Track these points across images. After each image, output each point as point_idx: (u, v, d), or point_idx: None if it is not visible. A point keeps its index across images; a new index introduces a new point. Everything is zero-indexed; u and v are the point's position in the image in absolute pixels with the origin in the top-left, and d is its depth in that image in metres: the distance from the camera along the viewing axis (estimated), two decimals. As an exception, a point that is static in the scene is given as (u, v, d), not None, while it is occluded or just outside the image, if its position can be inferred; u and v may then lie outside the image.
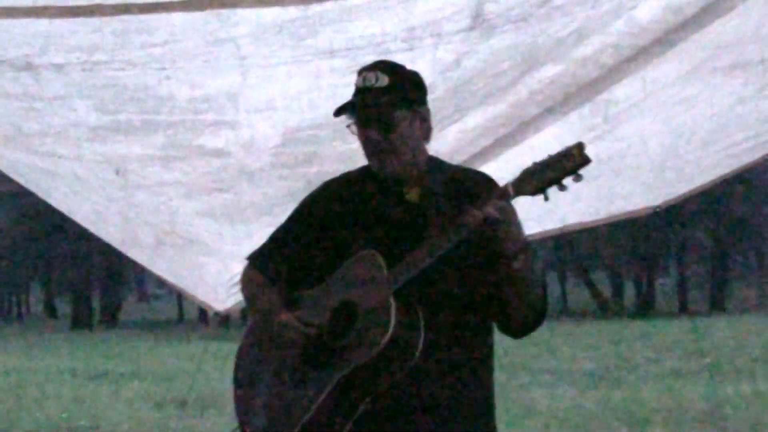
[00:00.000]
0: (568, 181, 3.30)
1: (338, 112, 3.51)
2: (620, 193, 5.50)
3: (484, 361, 3.56)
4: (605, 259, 47.18)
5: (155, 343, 30.85)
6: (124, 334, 37.45)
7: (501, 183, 3.48)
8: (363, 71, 3.51)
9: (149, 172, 4.89)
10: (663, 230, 43.36)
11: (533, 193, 3.32)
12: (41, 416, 14.94)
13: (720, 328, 27.85)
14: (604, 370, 18.93)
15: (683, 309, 43.89)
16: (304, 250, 3.61)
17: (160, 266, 5.82)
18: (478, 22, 3.98)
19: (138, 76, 4.16)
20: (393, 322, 3.30)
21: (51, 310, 54.39)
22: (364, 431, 3.41)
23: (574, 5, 4.06)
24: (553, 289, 52.49)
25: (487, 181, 3.57)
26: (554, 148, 5.02)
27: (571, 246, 44.71)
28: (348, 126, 3.52)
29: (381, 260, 3.38)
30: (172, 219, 5.32)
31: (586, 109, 4.80)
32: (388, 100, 3.44)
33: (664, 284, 49.64)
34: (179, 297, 43.09)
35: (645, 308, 44.17)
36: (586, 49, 4.42)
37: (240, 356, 3.68)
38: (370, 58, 4.05)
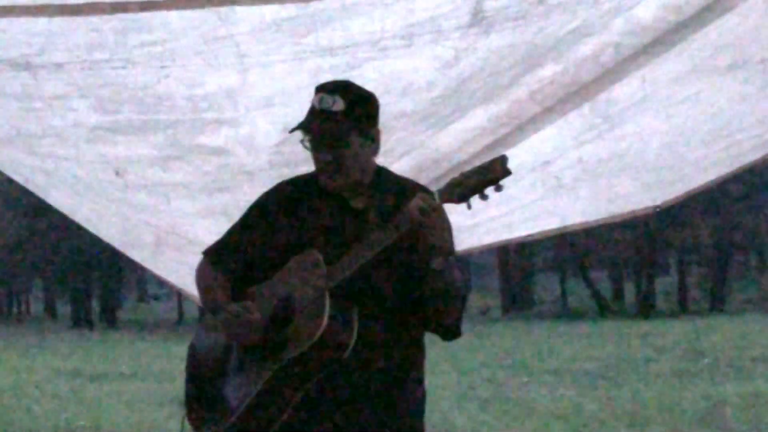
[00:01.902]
0: (489, 191, 3.48)
1: (293, 129, 3.71)
2: (620, 193, 5.50)
3: (415, 362, 3.76)
4: (605, 259, 47.20)
5: (155, 343, 30.87)
6: (124, 334, 37.46)
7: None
8: (321, 90, 3.69)
9: (149, 172, 4.89)
10: (663, 230, 43.36)
11: (458, 201, 3.50)
12: (41, 416, 14.94)
13: (720, 328, 27.87)
14: (604, 370, 18.94)
15: (683, 309, 43.90)
16: (255, 248, 3.81)
17: (160, 266, 5.83)
18: (478, 20, 3.98)
19: (137, 74, 4.16)
20: (326, 316, 3.51)
21: (51, 310, 54.40)
22: (296, 424, 3.62)
23: (573, 4, 4.06)
24: (553, 289, 52.54)
25: (422, 189, 3.77)
26: (554, 147, 5.05)
27: (571, 246, 44.70)
28: (301, 141, 3.71)
29: (320, 259, 3.60)
30: (172, 219, 5.32)
31: (586, 109, 4.80)
32: (341, 124, 3.65)
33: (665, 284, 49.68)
34: (179, 297, 43.08)
35: (645, 308, 44.17)
36: (586, 49, 4.42)
37: (192, 348, 3.89)
38: (369, 55, 4.07)
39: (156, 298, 61.88)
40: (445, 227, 3.57)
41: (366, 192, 3.74)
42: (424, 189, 3.78)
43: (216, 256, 3.88)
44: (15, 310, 55.58)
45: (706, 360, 19.74)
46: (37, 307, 57.18)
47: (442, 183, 3.59)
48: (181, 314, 48.42)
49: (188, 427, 3.84)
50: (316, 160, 3.72)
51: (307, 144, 3.71)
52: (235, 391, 3.68)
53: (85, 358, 25.52)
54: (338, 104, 3.64)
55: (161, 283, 6.84)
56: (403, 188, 3.76)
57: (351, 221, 3.71)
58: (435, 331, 3.76)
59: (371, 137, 3.72)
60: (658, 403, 14.42)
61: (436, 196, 3.53)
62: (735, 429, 12.39)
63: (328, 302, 3.53)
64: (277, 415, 3.62)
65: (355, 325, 3.57)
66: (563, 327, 32.92)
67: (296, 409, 3.61)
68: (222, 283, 3.83)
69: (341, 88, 3.69)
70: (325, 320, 3.51)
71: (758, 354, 20.26)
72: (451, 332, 3.76)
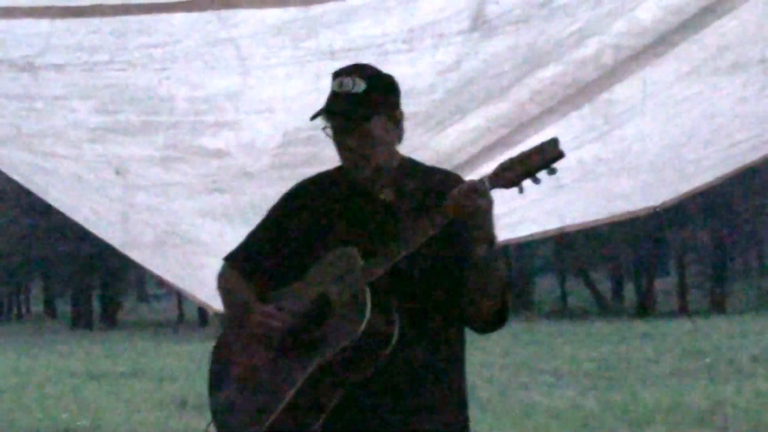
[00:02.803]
0: (542, 174, 3.37)
1: (314, 116, 3.57)
2: (620, 193, 5.51)
3: (457, 355, 3.64)
4: (605, 259, 47.19)
5: (155, 343, 30.87)
6: (124, 334, 37.46)
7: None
8: (339, 75, 3.56)
9: (149, 172, 4.89)
10: (663, 230, 43.37)
11: (508, 185, 3.38)
12: (41, 416, 14.95)
13: (720, 328, 27.89)
14: (604, 370, 18.94)
15: (683, 309, 43.89)
16: (279, 249, 3.69)
17: (160, 266, 5.82)
18: (479, 23, 3.98)
19: (138, 76, 4.16)
20: (368, 312, 3.38)
21: (51, 310, 54.39)
22: (337, 424, 3.49)
23: (574, 6, 4.06)
24: (553, 289, 52.53)
25: (458, 180, 3.64)
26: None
27: (571, 246, 44.70)
28: (323, 129, 3.59)
29: (357, 254, 3.46)
30: (172, 219, 5.32)
31: (586, 109, 4.80)
32: (364, 106, 3.52)
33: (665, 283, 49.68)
34: (179, 297, 43.07)
35: (645, 308, 44.17)
36: (586, 50, 4.42)
37: (216, 352, 3.76)
38: (370, 59, 4.06)
39: (156, 298, 61.87)
40: (490, 214, 3.41)
41: (393, 183, 3.60)
42: (457, 177, 3.66)
43: (239, 260, 3.77)
44: (15, 310, 55.58)
45: (706, 360, 19.75)
46: (37, 307, 57.17)
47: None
48: (181, 314, 48.40)
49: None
50: (341, 148, 3.58)
51: (329, 131, 3.57)
52: (271, 392, 3.54)
53: (85, 358, 25.53)
54: (359, 85, 3.51)
55: (161, 283, 6.84)
56: (434, 178, 3.64)
57: (380, 214, 3.58)
58: (475, 323, 3.62)
59: (394, 120, 3.58)
60: (658, 403, 14.42)
61: (485, 180, 3.37)
62: (735, 429, 12.40)
63: (369, 298, 3.39)
64: (318, 415, 3.49)
65: (397, 320, 3.43)
66: (563, 327, 32.91)
67: (337, 407, 3.49)
68: (249, 286, 3.70)
69: (360, 70, 3.57)
70: (368, 315, 3.37)
71: (758, 354, 20.27)
72: (491, 324, 3.60)
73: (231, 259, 3.80)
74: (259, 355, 3.59)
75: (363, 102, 3.51)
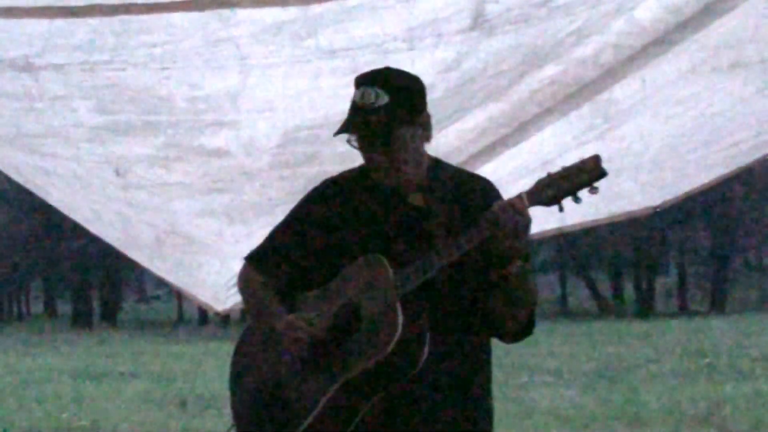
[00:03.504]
0: (583, 193, 3.30)
1: (338, 131, 3.45)
2: (620, 193, 5.50)
3: (483, 368, 3.56)
4: (605, 259, 47.19)
5: (155, 343, 30.86)
6: (124, 334, 37.45)
7: (499, 184, 3.53)
8: (361, 85, 3.42)
9: (149, 172, 4.88)
10: (663, 230, 43.37)
11: (548, 203, 3.31)
12: (41, 416, 14.94)
13: (720, 328, 27.89)
14: (604, 370, 18.94)
15: (683, 309, 43.90)
16: (303, 251, 3.55)
17: (160, 266, 5.82)
18: (479, 23, 3.98)
19: (138, 76, 4.16)
20: (400, 326, 3.26)
21: (51, 310, 54.39)
22: None
23: (574, 5, 4.06)
24: (553, 289, 52.52)
25: (489, 185, 3.56)
26: (554, 147, 5.05)
27: (571, 246, 44.70)
28: (348, 141, 3.46)
29: (387, 264, 3.34)
30: (172, 219, 5.32)
31: (586, 109, 4.80)
32: (390, 119, 3.38)
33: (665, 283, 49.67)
34: (179, 297, 43.08)
35: (645, 308, 44.18)
36: (586, 49, 4.42)
37: (238, 356, 3.65)
38: (370, 58, 4.06)
39: (156, 298, 61.86)
40: (528, 232, 3.31)
41: (422, 187, 3.46)
42: (487, 183, 3.56)
43: (260, 260, 3.61)
44: (15, 310, 55.57)
45: (706, 360, 19.74)
46: (37, 307, 57.17)
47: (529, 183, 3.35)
48: (181, 314, 48.41)
49: None
50: (367, 160, 3.44)
51: (355, 143, 3.44)
52: (297, 403, 3.43)
53: (85, 358, 25.51)
54: (382, 98, 3.36)
55: (161, 283, 6.84)
56: (465, 183, 3.52)
57: (410, 219, 3.44)
58: (503, 335, 3.54)
59: (421, 125, 3.44)
60: (658, 403, 14.42)
61: (524, 198, 3.27)
62: (735, 429, 12.39)
63: (400, 312, 3.27)
64: (344, 429, 3.38)
65: (427, 336, 3.31)
66: (563, 327, 32.90)
67: (362, 421, 3.37)
68: (271, 290, 3.56)
69: (383, 80, 3.40)
70: (400, 330, 3.25)
71: (758, 354, 20.27)
72: (520, 334, 3.54)
73: (253, 259, 3.65)
74: (284, 366, 3.48)
75: (386, 116, 3.37)
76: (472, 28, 4.00)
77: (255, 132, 4.57)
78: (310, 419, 3.38)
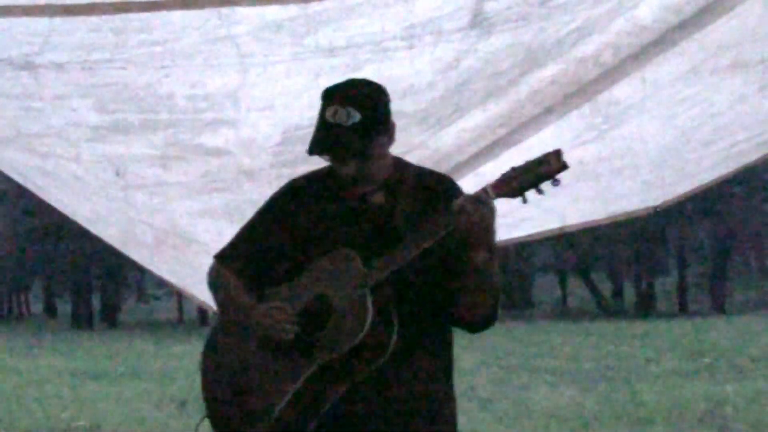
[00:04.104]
0: (546, 185, 3.40)
1: (312, 151, 3.56)
2: (620, 193, 5.50)
3: (447, 366, 3.68)
4: (605, 259, 47.19)
5: (155, 343, 30.85)
6: (124, 334, 37.43)
7: None
8: (332, 102, 3.51)
9: (149, 172, 4.89)
10: (663, 230, 43.37)
11: (512, 195, 3.42)
12: (41, 416, 14.93)
13: (720, 328, 27.88)
14: (604, 370, 18.93)
15: (683, 309, 43.89)
16: (270, 248, 3.69)
17: (160, 266, 5.82)
18: (478, 21, 3.98)
19: (138, 74, 4.16)
20: (370, 316, 3.40)
21: (51, 310, 54.38)
22: (332, 427, 3.52)
23: (574, 4, 4.06)
24: (553, 289, 52.52)
25: (451, 182, 3.69)
26: (554, 147, 5.05)
27: (571, 246, 44.70)
28: (321, 156, 3.58)
29: (357, 258, 3.47)
30: (172, 219, 5.32)
31: (586, 109, 4.80)
32: (362, 135, 3.49)
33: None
34: (179, 297, 43.06)
35: (645, 308, 44.17)
36: (586, 49, 4.42)
37: (208, 351, 3.77)
38: (370, 57, 4.06)
39: (156, 298, 61.86)
40: (493, 224, 3.43)
41: (385, 186, 3.60)
42: (449, 180, 3.69)
43: (229, 258, 3.75)
44: (15, 310, 55.57)
45: (706, 360, 19.74)
46: (37, 307, 57.17)
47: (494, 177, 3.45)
48: (181, 314, 48.39)
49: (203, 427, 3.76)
50: (339, 172, 3.57)
51: (326, 156, 3.57)
52: (268, 392, 3.55)
53: (85, 358, 25.50)
54: (354, 116, 3.47)
55: (161, 283, 6.84)
56: (426, 180, 3.64)
57: (374, 217, 3.57)
58: (466, 324, 3.64)
59: (389, 133, 3.58)
60: (658, 403, 14.41)
61: (489, 190, 3.40)
62: (735, 429, 12.39)
63: (371, 302, 3.41)
64: (313, 417, 3.51)
65: (396, 327, 3.45)
66: (563, 327, 32.91)
67: (332, 410, 3.51)
68: (241, 285, 3.69)
69: (353, 98, 3.50)
70: (369, 320, 3.39)
71: (758, 354, 20.26)
72: (483, 324, 3.63)
73: (222, 258, 3.79)
74: (256, 355, 3.60)
75: (359, 133, 3.49)
76: (472, 26, 4.00)
77: (255, 131, 4.57)
78: (281, 407, 3.50)
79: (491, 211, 3.40)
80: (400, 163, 3.67)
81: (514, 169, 3.41)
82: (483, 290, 3.54)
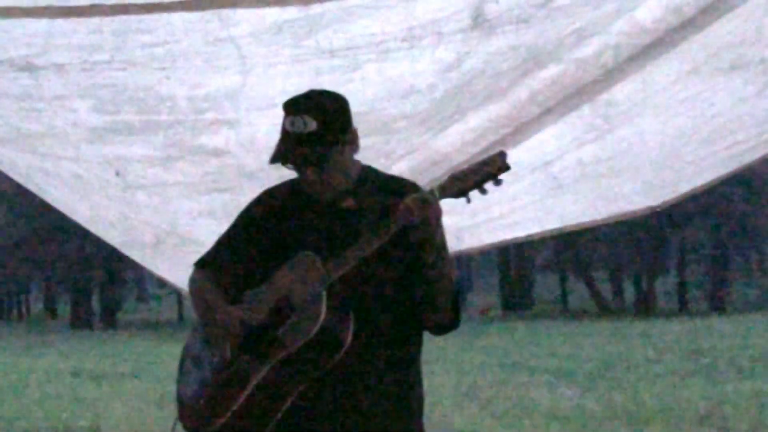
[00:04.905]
0: (489, 185, 3.52)
1: (273, 160, 3.71)
2: (620, 193, 5.50)
3: (413, 361, 3.78)
4: (605, 259, 47.20)
5: (155, 343, 30.86)
6: (124, 334, 37.44)
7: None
8: (289, 113, 3.66)
9: (149, 172, 4.89)
10: (663, 230, 43.38)
11: (456, 195, 3.54)
12: (41, 416, 14.94)
13: (720, 328, 27.88)
14: (604, 370, 18.93)
15: (683, 309, 43.89)
16: (247, 255, 3.84)
17: (160, 266, 5.83)
18: (479, 22, 3.99)
19: (138, 75, 4.17)
20: (323, 313, 3.53)
21: (51, 310, 54.38)
22: (293, 424, 3.64)
23: (574, 6, 4.06)
24: (553, 289, 52.55)
25: (416, 187, 3.79)
26: (554, 148, 5.06)
27: (571, 246, 44.72)
28: (283, 165, 3.71)
29: (317, 260, 3.61)
30: (172, 219, 5.32)
31: (586, 109, 4.80)
32: (319, 143, 3.63)
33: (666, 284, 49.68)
34: (179, 297, 43.08)
35: (645, 308, 44.18)
36: (586, 50, 4.42)
37: (184, 352, 3.93)
38: (370, 58, 4.06)
39: (156, 298, 61.87)
40: (438, 223, 3.57)
41: (353, 192, 3.74)
42: (413, 185, 3.80)
43: (207, 266, 3.91)
44: (15, 310, 55.56)
45: (706, 360, 19.75)
46: (37, 307, 57.17)
47: (441, 178, 3.58)
48: (181, 314, 48.41)
49: (180, 427, 3.90)
50: (302, 178, 3.74)
51: (290, 166, 3.72)
52: (229, 389, 3.70)
53: (85, 358, 25.51)
54: (311, 125, 3.62)
55: (161, 283, 6.85)
56: (392, 186, 3.78)
57: (341, 222, 3.72)
58: (429, 326, 3.77)
59: (349, 141, 3.71)
60: (658, 403, 14.41)
61: (436, 191, 3.53)
62: (735, 429, 12.39)
63: (324, 299, 3.55)
64: (272, 415, 3.64)
65: (351, 323, 3.58)
66: (563, 327, 32.92)
67: (292, 408, 3.63)
68: (214, 290, 3.85)
69: (309, 107, 3.65)
70: (322, 317, 3.53)
71: (758, 354, 20.26)
72: (444, 327, 3.77)
73: (200, 264, 3.94)
74: (221, 353, 3.74)
75: (315, 141, 3.63)
76: (473, 27, 4.01)
77: (255, 131, 4.58)
78: (241, 399, 3.64)
79: (435, 212, 3.52)
80: (368, 171, 3.81)
81: (462, 170, 3.55)
82: (438, 292, 3.66)
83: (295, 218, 3.77)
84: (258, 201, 3.91)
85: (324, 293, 3.56)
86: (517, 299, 48.31)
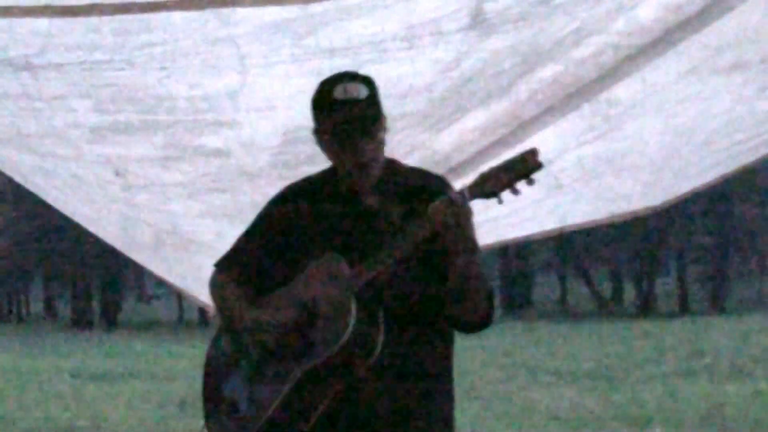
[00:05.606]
0: (521, 185, 3.41)
1: (316, 128, 3.62)
2: (620, 193, 5.50)
3: (445, 366, 3.68)
4: (605, 259, 47.23)
5: (155, 344, 30.87)
6: (124, 334, 37.46)
7: None
8: (339, 82, 3.56)
9: (149, 172, 4.88)
10: (663, 230, 43.40)
11: (488, 196, 3.43)
12: (41, 416, 14.95)
13: (720, 328, 27.90)
14: (604, 370, 18.95)
15: (683, 309, 43.91)
16: (268, 254, 3.73)
17: (160, 266, 5.82)
18: (478, 21, 3.99)
19: (137, 75, 4.16)
20: (353, 318, 3.41)
21: (51, 310, 54.39)
22: (325, 430, 3.53)
23: (574, 5, 4.06)
24: (553, 289, 52.55)
25: (442, 182, 3.70)
26: (554, 147, 5.05)
27: (571, 246, 44.74)
28: (320, 136, 3.62)
29: (343, 261, 3.50)
30: (172, 219, 5.32)
31: (586, 109, 4.80)
32: (372, 110, 3.54)
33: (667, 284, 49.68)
34: (179, 297, 43.07)
35: (645, 308, 44.19)
36: (586, 49, 4.42)
37: (209, 357, 3.80)
38: (370, 57, 4.06)
39: (156, 298, 61.87)
40: (470, 225, 3.45)
41: (378, 188, 3.63)
42: (440, 180, 3.71)
43: (228, 266, 3.81)
44: (15, 310, 55.57)
45: (706, 360, 19.76)
46: (37, 307, 57.19)
47: (471, 178, 3.47)
48: (181, 314, 48.41)
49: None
50: (352, 153, 3.57)
51: (327, 138, 3.61)
52: (259, 397, 3.58)
53: (85, 358, 25.53)
54: (362, 91, 3.53)
55: (161, 283, 6.85)
56: (417, 181, 3.66)
57: (366, 220, 3.61)
58: (460, 326, 3.66)
59: (385, 126, 3.62)
60: (658, 403, 14.43)
61: (465, 192, 3.42)
62: (735, 429, 12.40)
63: (354, 304, 3.44)
64: (304, 422, 3.53)
65: (382, 327, 3.47)
66: (563, 327, 32.93)
67: (325, 414, 3.53)
68: (239, 292, 3.74)
69: (357, 77, 3.58)
70: (352, 322, 3.41)
71: (758, 354, 20.28)
72: (478, 326, 3.65)
73: (222, 266, 3.85)
74: (251, 360, 3.64)
75: (369, 106, 3.54)
76: (472, 27, 4.00)
77: (255, 132, 4.57)
78: (270, 411, 3.53)
79: (467, 213, 3.42)
80: (392, 165, 3.71)
81: (491, 168, 3.44)
82: (470, 292, 3.55)
83: (318, 216, 3.66)
84: (279, 197, 3.80)
85: (353, 299, 3.45)
86: (516, 299, 48.31)
